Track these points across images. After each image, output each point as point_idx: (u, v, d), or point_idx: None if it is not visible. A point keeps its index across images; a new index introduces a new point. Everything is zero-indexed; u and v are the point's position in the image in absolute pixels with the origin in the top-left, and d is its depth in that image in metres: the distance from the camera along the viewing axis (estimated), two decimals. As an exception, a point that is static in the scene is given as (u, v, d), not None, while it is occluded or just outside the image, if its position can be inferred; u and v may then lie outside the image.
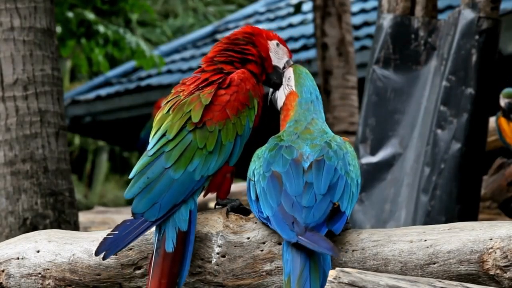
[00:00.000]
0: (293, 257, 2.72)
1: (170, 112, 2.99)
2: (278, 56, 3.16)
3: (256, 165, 2.95)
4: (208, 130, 2.94)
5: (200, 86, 3.03)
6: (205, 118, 2.96)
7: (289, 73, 3.14)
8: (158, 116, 3.02)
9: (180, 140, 2.93)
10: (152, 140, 2.98)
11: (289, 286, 2.67)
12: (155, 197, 2.87)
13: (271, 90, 3.19)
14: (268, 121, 3.25)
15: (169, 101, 3.04)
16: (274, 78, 3.15)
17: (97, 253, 2.82)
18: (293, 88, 3.10)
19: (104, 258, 2.85)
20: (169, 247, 2.84)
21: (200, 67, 3.13)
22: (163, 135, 2.95)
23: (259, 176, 2.91)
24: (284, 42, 3.21)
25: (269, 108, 3.19)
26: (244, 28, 3.18)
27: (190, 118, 2.95)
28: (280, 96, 3.13)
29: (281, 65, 3.17)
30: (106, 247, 2.82)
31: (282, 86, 3.13)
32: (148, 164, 2.92)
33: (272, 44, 3.16)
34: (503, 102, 5.96)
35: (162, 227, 2.88)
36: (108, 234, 2.83)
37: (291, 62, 3.20)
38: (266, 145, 3.00)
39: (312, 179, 2.83)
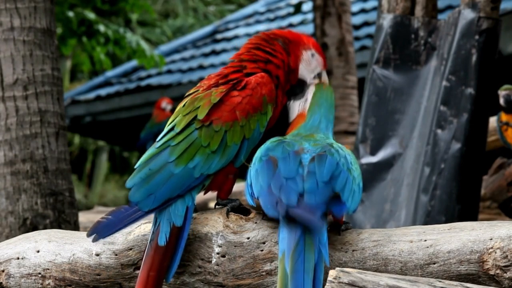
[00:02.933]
0: (288, 234, 2.72)
1: (186, 105, 3.01)
2: (309, 67, 3.11)
3: (257, 153, 2.96)
4: (214, 129, 2.94)
5: (219, 81, 3.03)
6: (212, 117, 2.96)
7: (310, 93, 3.10)
8: (177, 107, 3.04)
9: (186, 136, 2.94)
10: (163, 132, 3.00)
11: (283, 261, 2.68)
12: (151, 188, 2.89)
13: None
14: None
15: (190, 94, 3.06)
16: (296, 91, 3.11)
17: (88, 235, 2.85)
18: (306, 111, 3.08)
19: (93, 241, 2.87)
20: (162, 240, 2.85)
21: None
22: (172, 128, 2.97)
23: (255, 160, 2.92)
24: (321, 51, 3.14)
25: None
26: (285, 32, 3.12)
27: (197, 114, 2.96)
28: (293, 110, 3.11)
29: (310, 78, 3.11)
30: (97, 230, 2.85)
31: (300, 101, 3.10)
32: (153, 156, 2.94)
33: (307, 54, 3.10)
34: (501, 95, 5.97)
35: (158, 219, 2.89)
36: (102, 218, 2.86)
37: (323, 74, 3.14)
38: (269, 140, 3.00)
39: (315, 169, 2.83)
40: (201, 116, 2.95)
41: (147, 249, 2.87)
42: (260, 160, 2.90)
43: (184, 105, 3.02)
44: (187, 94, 3.08)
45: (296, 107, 3.11)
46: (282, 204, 2.75)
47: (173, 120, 3.01)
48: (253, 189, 2.87)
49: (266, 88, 3.01)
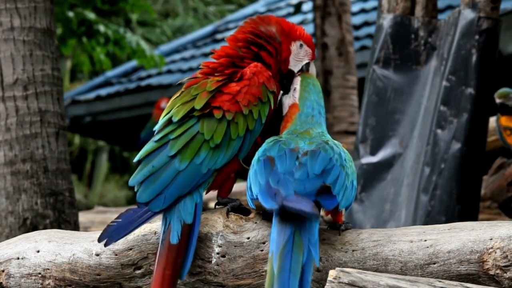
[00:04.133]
0: (278, 234, 2.72)
1: (182, 93, 3.01)
2: (297, 58, 3.12)
3: (254, 157, 2.96)
4: (216, 118, 2.93)
5: (217, 69, 3.02)
6: (212, 106, 2.95)
7: (297, 83, 3.11)
8: (172, 97, 3.03)
9: (186, 129, 2.93)
10: (160, 121, 2.98)
11: (271, 260, 2.68)
12: (159, 187, 2.88)
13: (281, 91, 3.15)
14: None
15: (189, 79, 3.06)
16: (284, 82, 3.11)
17: (99, 240, 2.84)
18: (297, 101, 3.09)
19: (106, 245, 2.87)
20: (174, 239, 2.85)
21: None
22: (170, 120, 2.96)
23: (254, 162, 2.92)
24: (311, 42, 3.14)
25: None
26: (280, 20, 3.11)
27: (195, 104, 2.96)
28: (285, 104, 3.11)
29: (297, 68, 3.12)
30: (109, 234, 2.84)
31: (289, 94, 3.11)
32: (154, 151, 2.93)
33: (295, 45, 3.11)
34: (497, 102, 5.99)
35: (167, 219, 2.89)
36: (112, 222, 2.85)
37: (311, 65, 3.14)
38: (266, 141, 3.00)
39: (307, 162, 2.84)
40: (198, 106, 2.94)
41: (159, 248, 2.86)
42: (258, 161, 2.90)
43: (180, 94, 3.02)
44: (181, 81, 3.07)
45: (286, 100, 3.11)
46: (280, 195, 2.75)
47: (169, 111, 2.99)
48: (252, 190, 2.87)
49: (263, 76, 3.01)
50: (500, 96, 5.95)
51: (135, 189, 2.92)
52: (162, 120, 2.98)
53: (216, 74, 3.03)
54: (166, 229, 2.88)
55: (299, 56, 3.12)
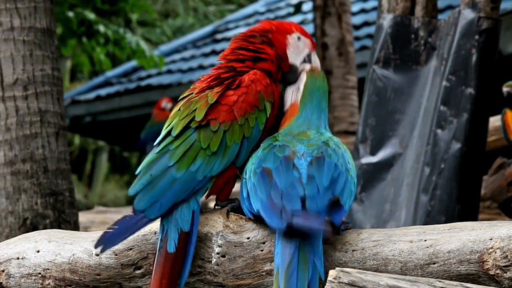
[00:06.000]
0: (282, 249, 2.72)
1: (181, 109, 3.00)
2: (297, 51, 3.10)
3: (249, 164, 2.95)
4: (212, 130, 2.94)
5: (211, 84, 3.02)
6: (209, 117, 2.95)
7: (302, 81, 3.09)
8: (172, 112, 3.04)
9: (184, 139, 2.93)
10: (160, 136, 2.99)
11: (277, 278, 2.68)
12: (156, 195, 2.88)
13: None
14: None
15: (183, 98, 3.05)
16: (289, 78, 3.10)
17: (96, 246, 2.84)
18: (298, 101, 3.08)
19: (101, 251, 2.88)
20: (171, 247, 2.85)
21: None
22: (169, 132, 2.96)
23: (250, 173, 2.92)
24: (307, 33, 3.13)
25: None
26: (262, 24, 3.12)
27: (195, 116, 2.96)
28: (287, 100, 3.09)
29: (299, 61, 3.10)
30: (105, 241, 2.84)
31: (293, 89, 3.10)
32: (153, 162, 2.93)
33: (292, 38, 3.10)
34: (503, 91, 6.00)
35: (165, 227, 2.89)
36: (108, 228, 2.86)
37: (313, 56, 3.14)
38: (261, 144, 2.99)
39: (314, 173, 2.83)
40: (199, 117, 2.94)
41: (156, 257, 2.86)
42: (255, 173, 2.89)
43: (179, 108, 3.02)
44: (181, 97, 3.08)
45: (289, 95, 3.09)
46: (287, 212, 2.75)
47: (169, 124, 3.00)
48: (251, 203, 2.87)
49: (260, 84, 3.00)
50: (508, 85, 5.96)
51: (134, 198, 2.92)
52: (162, 134, 2.99)
53: (213, 84, 3.02)
54: (163, 237, 2.87)
55: (298, 48, 3.11)
